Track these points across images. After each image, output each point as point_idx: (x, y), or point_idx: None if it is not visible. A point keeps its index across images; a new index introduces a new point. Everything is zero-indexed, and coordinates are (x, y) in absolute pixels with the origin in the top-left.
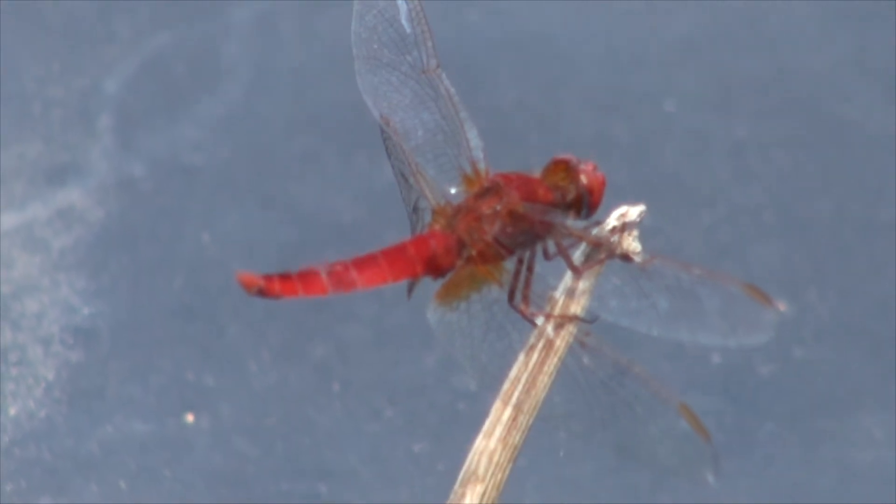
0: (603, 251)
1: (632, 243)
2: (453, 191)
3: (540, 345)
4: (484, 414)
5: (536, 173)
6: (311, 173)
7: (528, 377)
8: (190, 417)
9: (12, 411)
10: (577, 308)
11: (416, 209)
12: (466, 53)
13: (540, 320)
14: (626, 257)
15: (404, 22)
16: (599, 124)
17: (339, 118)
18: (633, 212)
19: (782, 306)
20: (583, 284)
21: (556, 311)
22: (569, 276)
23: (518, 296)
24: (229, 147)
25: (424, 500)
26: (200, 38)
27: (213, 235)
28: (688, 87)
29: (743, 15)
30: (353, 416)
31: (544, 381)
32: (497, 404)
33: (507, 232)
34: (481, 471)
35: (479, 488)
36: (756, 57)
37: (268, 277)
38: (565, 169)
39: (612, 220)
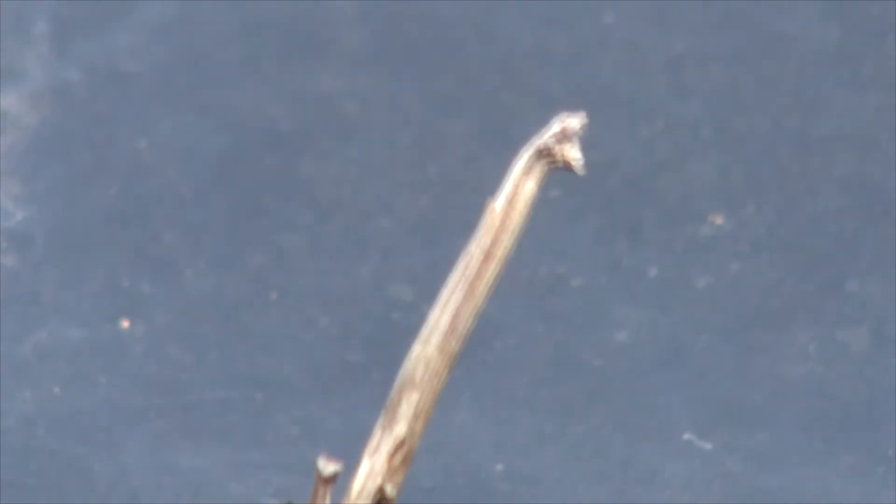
0: (544, 160)
1: (572, 151)
2: None
3: (478, 252)
4: (418, 325)
5: None
6: (248, 80)
7: (466, 284)
8: (125, 324)
9: None
10: (516, 216)
11: None
12: None
13: None
14: (567, 165)
15: None
16: (537, 35)
17: (276, 26)
18: (574, 120)
19: (719, 220)
20: (523, 192)
21: (496, 217)
22: (509, 184)
23: None
24: (166, 54)
25: (359, 410)
26: None
27: (150, 142)
28: (626, 1)
29: None
30: (288, 325)
31: (482, 288)
32: (434, 311)
33: None
34: (417, 377)
35: (415, 395)
36: None
37: None
38: None
39: (554, 128)
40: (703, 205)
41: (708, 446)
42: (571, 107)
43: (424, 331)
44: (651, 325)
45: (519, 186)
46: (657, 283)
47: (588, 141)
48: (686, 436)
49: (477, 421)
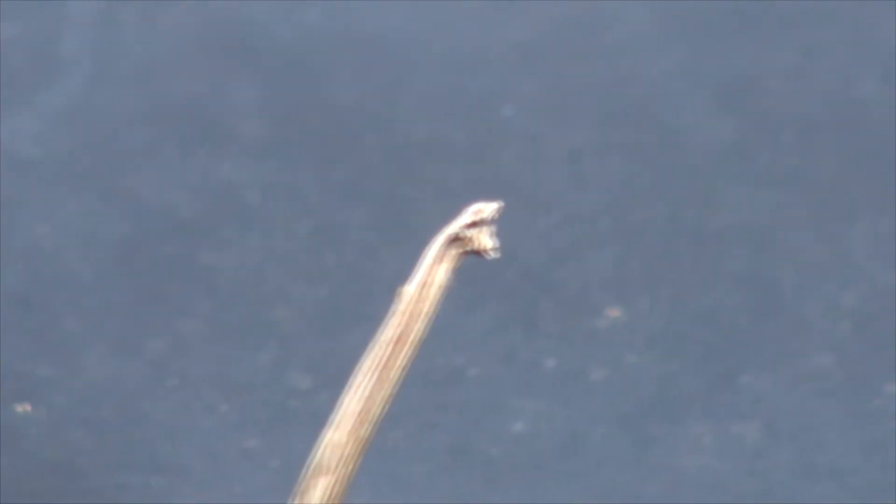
0: (457, 246)
1: (486, 239)
2: None
3: (391, 338)
4: (317, 412)
5: None
6: (150, 167)
7: (378, 370)
8: (25, 407)
9: None
10: (429, 302)
11: None
12: (304, 52)
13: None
14: (480, 252)
15: None
16: (436, 127)
17: (179, 112)
18: (489, 208)
19: (615, 312)
20: (436, 279)
21: (409, 304)
22: (422, 270)
23: None
24: (68, 139)
25: (258, 497)
26: (40, 31)
27: (51, 227)
28: (525, 93)
29: (581, 23)
30: (187, 411)
31: (395, 374)
32: (347, 396)
33: None
34: (329, 462)
35: (326, 480)
36: (592, 64)
37: None
38: None
39: (468, 216)
40: (599, 297)
41: None
42: (470, 197)
43: (336, 416)
44: (548, 415)
45: (431, 272)
46: (554, 375)
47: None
48: None
49: None
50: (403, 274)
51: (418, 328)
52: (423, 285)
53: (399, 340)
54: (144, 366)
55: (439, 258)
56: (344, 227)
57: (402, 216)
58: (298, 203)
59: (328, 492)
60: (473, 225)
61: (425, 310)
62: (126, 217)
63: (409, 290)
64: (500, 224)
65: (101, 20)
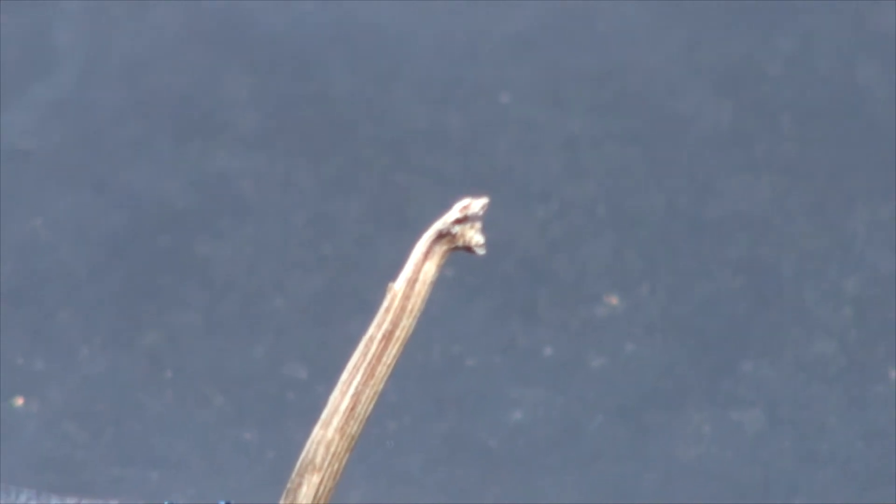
0: (446, 242)
1: (474, 235)
2: None
3: (379, 334)
4: (313, 404)
5: None
6: (143, 159)
7: (366, 367)
8: (19, 401)
9: None
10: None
11: None
12: (300, 43)
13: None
14: (468, 248)
15: None
16: (433, 116)
17: (171, 105)
18: (476, 204)
19: (614, 301)
20: (423, 275)
21: (397, 301)
22: (410, 267)
23: None
24: (61, 132)
25: (255, 490)
26: (33, 25)
27: (46, 220)
28: (522, 81)
29: (578, 12)
30: (183, 404)
31: (383, 371)
32: (335, 393)
33: None
34: (318, 460)
35: (316, 478)
36: (589, 53)
37: None
38: None
39: (455, 212)
40: (597, 285)
41: None
42: (466, 187)
43: (325, 414)
44: (546, 404)
45: (419, 269)
46: (552, 363)
47: (483, 220)
48: None
49: (372, 500)
50: (400, 263)
51: (406, 325)
52: (411, 282)
53: (388, 338)
54: (139, 359)
55: (426, 254)
56: (339, 217)
57: (397, 206)
58: (293, 193)
59: (318, 489)
60: (461, 221)
61: (413, 307)
62: (120, 209)
63: (397, 287)
64: (498, 212)
65: (93, 14)
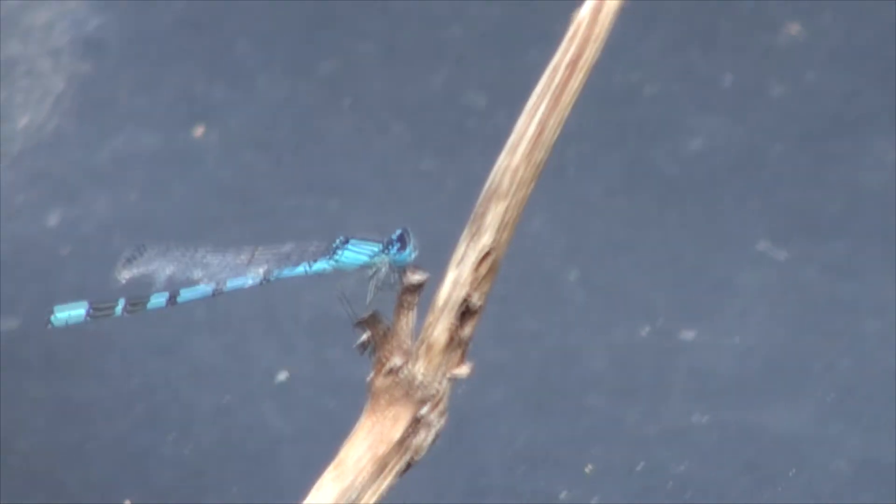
0: None
1: None
2: None
3: (565, 62)
4: (493, 133)
5: None
6: None
7: (552, 95)
8: (199, 130)
9: (22, 122)
10: (601, 26)
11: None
12: None
13: None
14: None
15: None
16: None
17: None
18: None
19: (795, 29)
20: (607, 4)
21: (582, 29)
22: None
23: None
24: None
25: (433, 218)
26: None
27: None
28: None
29: None
30: (362, 132)
31: (567, 99)
32: (521, 121)
33: None
34: (504, 187)
35: (502, 205)
36: None
37: None
38: None
39: None
40: (778, 13)
41: (783, 255)
42: None
43: (511, 142)
44: (725, 132)
45: None
46: (732, 91)
47: None
48: (760, 245)
49: (551, 228)
50: None
51: (590, 53)
52: (596, 10)
53: (573, 67)
54: (318, 87)
55: None
56: None
57: None
58: None
59: (503, 216)
60: None
61: (597, 36)
62: None
63: (582, 15)
64: None
65: None
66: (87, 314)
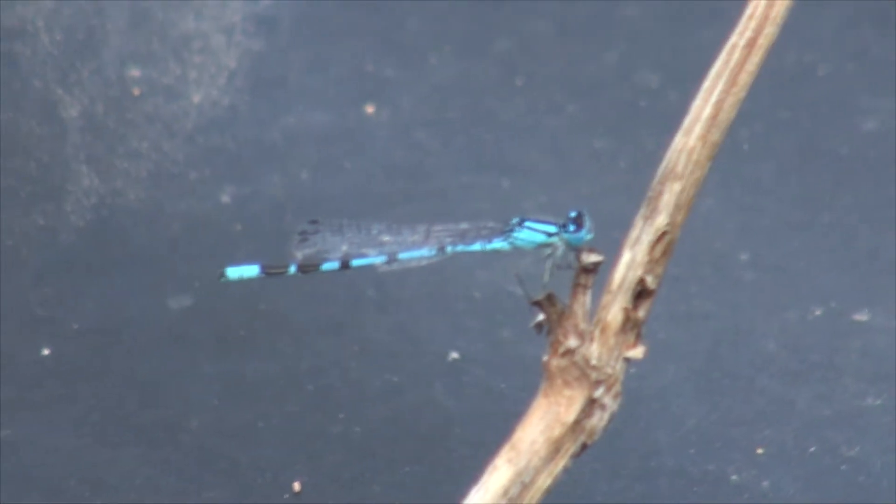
0: None
1: None
2: None
3: (742, 42)
4: (665, 112)
5: None
6: None
7: (729, 75)
8: (370, 109)
9: (196, 99)
10: (780, 6)
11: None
12: None
13: None
14: None
15: None
16: None
17: None
18: None
19: None
20: None
21: (760, 8)
22: None
23: None
24: None
25: (606, 197)
26: None
27: None
28: None
29: None
30: (534, 111)
31: (745, 79)
32: (697, 101)
33: None
34: (680, 168)
35: (678, 185)
36: None
37: None
38: None
39: None
40: None
41: None
42: None
43: (687, 122)
44: None
45: None
46: None
47: None
48: None
49: (722, 209)
50: None
51: (769, 32)
52: None
53: (750, 46)
54: (490, 66)
55: None
56: None
57: None
58: None
59: (679, 197)
60: None
61: (777, 14)
62: None
63: None
64: None
65: None
66: (262, 271)
